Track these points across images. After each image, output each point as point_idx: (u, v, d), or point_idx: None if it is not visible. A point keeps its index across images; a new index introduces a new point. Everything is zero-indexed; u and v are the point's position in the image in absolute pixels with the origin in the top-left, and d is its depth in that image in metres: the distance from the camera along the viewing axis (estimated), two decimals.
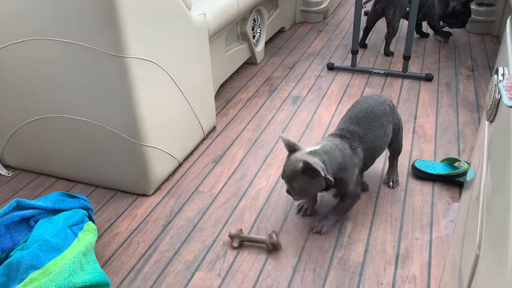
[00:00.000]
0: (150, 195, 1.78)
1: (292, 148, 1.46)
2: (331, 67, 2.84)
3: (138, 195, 1.78)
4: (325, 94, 2.55)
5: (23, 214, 1.43)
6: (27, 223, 1.44)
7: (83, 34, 1.48)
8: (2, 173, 1.92)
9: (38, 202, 1.48)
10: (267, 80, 2.74)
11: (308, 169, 1.35)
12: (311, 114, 2.33)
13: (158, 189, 1.81)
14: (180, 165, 1.95)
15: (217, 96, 2.52)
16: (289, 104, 2.45)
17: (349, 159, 1.48)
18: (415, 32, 3.26)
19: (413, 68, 2.81)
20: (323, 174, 1.34)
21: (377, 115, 1.57)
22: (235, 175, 1.89)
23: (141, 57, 1.56)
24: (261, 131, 2.20)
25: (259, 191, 1.78)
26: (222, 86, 2.63)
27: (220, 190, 1.80)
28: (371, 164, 1.64)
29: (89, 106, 1.64)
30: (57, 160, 1.85)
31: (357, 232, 1.56)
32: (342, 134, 1.53)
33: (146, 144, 1.68)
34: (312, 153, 1.42)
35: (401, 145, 1.77)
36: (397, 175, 1.79)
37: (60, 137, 1.76)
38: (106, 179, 1.80)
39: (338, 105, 2.42)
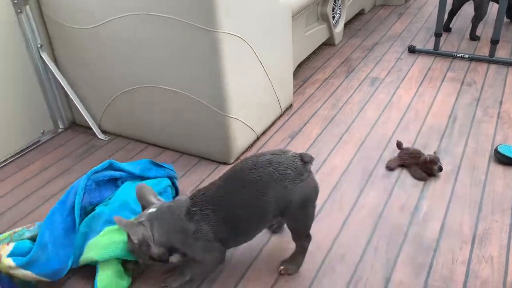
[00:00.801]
0: (230, 164, 1.89)
1: (143, 204, 1.30)
2: (412, 50, 2.78)
3: (220, 163, 1.90)
4: (405, 76, 2.51)
5: (112, 175, 1.55)
6: (115, 183, 1.57)
7: (181, 10, 1.60)
8: (100, 137, 2.13)
9: (128, 167, 1.61)
10: (345, 61, 2.75)
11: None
12: (389, 96, 2.32)
13: (237, 159, 1.92)
14: (258, 138, 2.04)
15: (294, 75, 2.57)
16: (367, 85, 2.45)
17: (180, 225, 1.21)
18: (505, 16, 3.10)
19: (501, 53, 2.67)
20: (135, 241, 1.19)
21: (252, 180, 1.20)
22: (310, 150, 1.95)
23: (231, 33, 1.65)
24: (337, 110, 2.23)
25: (333, 167, 1.83)
26: (300, 66, 2.68)
27: None
28: (242, 240, 1.31)
29: (180, 77, 1.77)
30: (148, 127, 2.01)
31: (433, 211, 1.56)
32: (194, 193, 1.26)
33: (230, 115, 1.78)
34: (148, 214, 1.23)
35: (304, 228, 1.30)
36: (297, 266, 1.35)
37: (152, 106, 1.92)
38: (191, 147, 1.94)
39: (418, 87, 2.38)
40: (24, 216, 1.68)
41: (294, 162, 1.22)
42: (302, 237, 1.33)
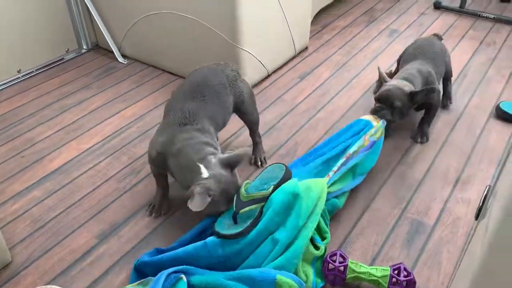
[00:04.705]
0: None
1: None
2: (437, 6, 2.75)
3: None
4: (424, 31, 2.50)
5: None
6: None
7: None
8: (119, 60, 2.24)
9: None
10: (368, 11, 2.74)
11: None
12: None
13: None
14: (268, 75, 2.11)
15: (315, 20, 2.59)
16: (385, 36, 2.46)
17: None
18: None
19: None
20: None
21: (212, 87, 1.38)
22: (317, 91, 2.01)
23: None
24: (350, 57, 2.27)
25: (337, 107, 1.90)
26: (321, 11, 2.69)
27: (301, 101, 1.94)
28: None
29: (197, 5, 1.83)
30: (164, 54, 2.10)
31: (424, 154, 1.63)
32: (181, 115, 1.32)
33: (242, 48, 1.85)
34: None
35: (256, 117, 1.55)
36: (263, 152, 1.61)
37: (170, 33, 2.00)
38: None
39: None
40: (48, 120, 1.84)
41: (233, 67, 1.49)
42: (256, 127, 1.57)
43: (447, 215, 1.39)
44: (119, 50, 2.25)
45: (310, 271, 1.16)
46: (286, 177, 1.24)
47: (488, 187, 0.98)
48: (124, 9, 2.10)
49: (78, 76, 2.13)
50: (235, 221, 1.16)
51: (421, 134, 1.69)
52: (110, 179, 1.53)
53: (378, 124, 1.48)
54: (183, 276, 1.05)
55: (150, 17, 2.01)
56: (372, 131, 1.45)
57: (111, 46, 2.23)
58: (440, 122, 1.78)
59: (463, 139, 1.70)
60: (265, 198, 1.17)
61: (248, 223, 1.13)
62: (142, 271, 1.18)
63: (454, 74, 2.09)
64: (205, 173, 1.18)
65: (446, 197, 1.45)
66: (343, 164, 1.36)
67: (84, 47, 2.32)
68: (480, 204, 0.97)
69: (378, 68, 1.68)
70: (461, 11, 2.68)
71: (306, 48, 2.34)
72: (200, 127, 1.29)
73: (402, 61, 1.81)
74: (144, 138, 1.72)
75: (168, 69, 2.15)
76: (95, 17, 2.18)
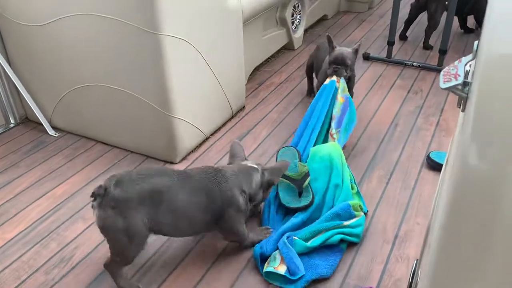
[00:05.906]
0: (176, 163, 1.94)
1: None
2: (366, 57, 2.88)
3: (166, 161, 1.94)
4: (356, 81, 2.60)
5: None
6: None
7: (123, 11, 1.64)
8: (50, 133, 2.15)
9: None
10: (301, 66, 2.82)
11: None
12: None
13: (184, 158, 1.97)
14: (206, 139, 2.09)
15: (251, 78, 2.63)
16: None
17: None
18: (459, 27, 3.23)
19: (450, 63, 2.78)
20: None
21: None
22: (256, 152, 2.01)
23: (175, 36, 1.70)
24: (286, 114, 2.30)
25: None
26: (257, 69, 2.74)
27: None
28: None
29: (126, 77, 1.81)
30: (97, 125, 2.04)
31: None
32: None
33: (175, 116, 1.83)
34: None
35: None
36: None
37: (101, 104, 1.95)
38: (138, 145, 1.98)
39: (366, 94, 2.47)
40: None
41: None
42: None
43: (388, 277, 1.39)
44: (49, 123, 2.17)
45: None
46: (299, 154, 1.77)
47: (415, 261, 0.99)
48: (51, 82, 2.04)
49: (5, 154, 2.02)
50: (300, 195, 1.59)
51: None
52: (37, 271, 1.42)
53: (341, 83, 1.92)
54: (294, 237, 1.43)
55: (79, 89, 1.97)
56: (340, 90, 1.89)
57: (40, 119, 2.15)
58: (376, 177, 1.82)
59: (399, 193, 1.74)
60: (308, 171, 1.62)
61: (310, 191, 1.59)
62: (263, 255, 1.42)
63: (386, 125, 2.17)
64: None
65: (386, 257, 1.45)
66: (337, 126, 1.84)
67: (12, 121, 2.22)
68: (410, 280, 0.97)
69: (329, 37, 2.01)
70: (388, 61, 2.82)
71: (244, 107, 2.36)
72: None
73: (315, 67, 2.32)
74: (75, 220, 1.63)
75: (101, 140, 2.08)
76: (20, 90, 2.11)
